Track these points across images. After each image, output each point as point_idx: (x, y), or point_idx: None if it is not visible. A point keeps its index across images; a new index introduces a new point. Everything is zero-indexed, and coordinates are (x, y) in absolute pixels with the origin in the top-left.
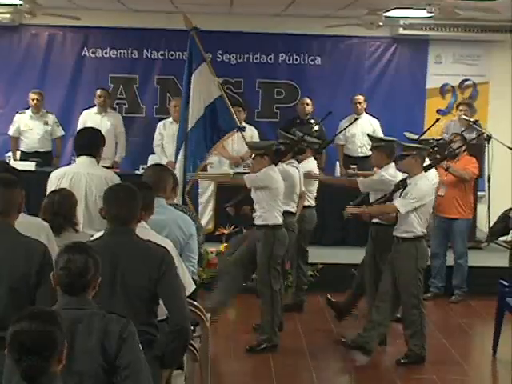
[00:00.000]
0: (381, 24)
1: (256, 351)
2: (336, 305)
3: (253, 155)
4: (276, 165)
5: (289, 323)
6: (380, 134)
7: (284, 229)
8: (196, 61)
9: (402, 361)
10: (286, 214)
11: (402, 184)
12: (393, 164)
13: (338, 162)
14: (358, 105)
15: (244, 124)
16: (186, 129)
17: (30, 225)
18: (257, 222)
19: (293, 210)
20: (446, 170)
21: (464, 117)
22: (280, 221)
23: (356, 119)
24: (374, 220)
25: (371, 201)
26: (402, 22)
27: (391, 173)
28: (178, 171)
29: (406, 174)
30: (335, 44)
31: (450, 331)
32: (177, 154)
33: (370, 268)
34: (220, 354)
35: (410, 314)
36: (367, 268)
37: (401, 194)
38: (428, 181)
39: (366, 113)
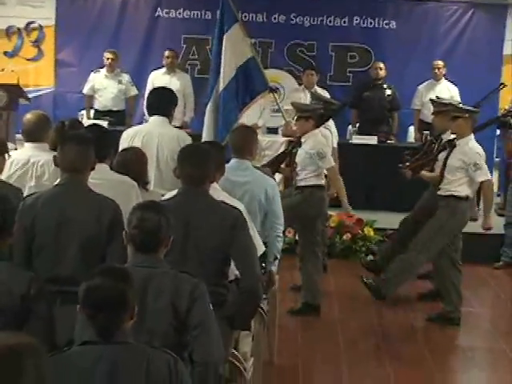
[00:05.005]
0: None
1: (298, 314)
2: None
3: (295, 116)
4: (318, 127)
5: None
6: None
7: (323, 191)
8: (228, 22)
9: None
10: None
11: (449, 144)
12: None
13: (410, 128)
14: (436, 70)
15: (316, 87)
16: (218, 90)
17: (120, 183)
18: (299, 183)
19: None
20: None
21: None
22: (323, 182)
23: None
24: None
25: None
26: None
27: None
28: (207, 129)
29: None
30: (411, 8)
31: None
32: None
33: None
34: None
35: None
36: None
37: (448, 154)
38: (476, 143)
39: (445, 79)
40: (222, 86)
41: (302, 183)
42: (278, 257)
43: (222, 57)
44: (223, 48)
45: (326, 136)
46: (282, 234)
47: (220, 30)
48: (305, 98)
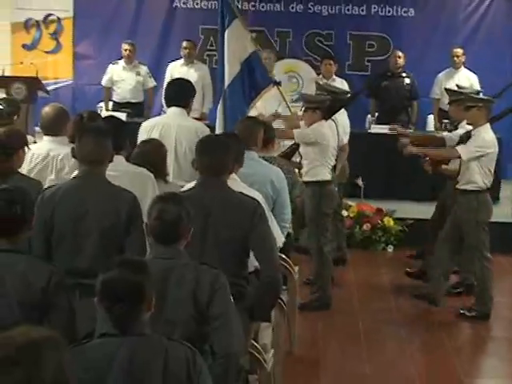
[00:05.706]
0: None
1: (308, 309)
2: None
3: (303, 108)
4: (326, 120)
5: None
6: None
7: (333, 185)
8: (228, 16)
9: (468, 314)
10: None
11: (467, 136)
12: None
13: (429, 117)
14: (456, 58)
15: (334, 77)
16: (223, 86)
17: (136, 174)
18: (304, 178)
19: (331, 163)
20: None
21: None
22: (328, 176)
23: None
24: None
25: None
26: None
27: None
28: (218, 126)
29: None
30: None
31: None
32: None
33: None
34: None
35: (474, 267)
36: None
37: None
38: (492, 133)
39: (465, 67)
40: (226, 81)
41: (307, 178)
42: (281, 246)
43: (225, 52)
44: (225, 44)
45: (331, 126)
46: (287, 225)
47: (222, 26)
48: None
